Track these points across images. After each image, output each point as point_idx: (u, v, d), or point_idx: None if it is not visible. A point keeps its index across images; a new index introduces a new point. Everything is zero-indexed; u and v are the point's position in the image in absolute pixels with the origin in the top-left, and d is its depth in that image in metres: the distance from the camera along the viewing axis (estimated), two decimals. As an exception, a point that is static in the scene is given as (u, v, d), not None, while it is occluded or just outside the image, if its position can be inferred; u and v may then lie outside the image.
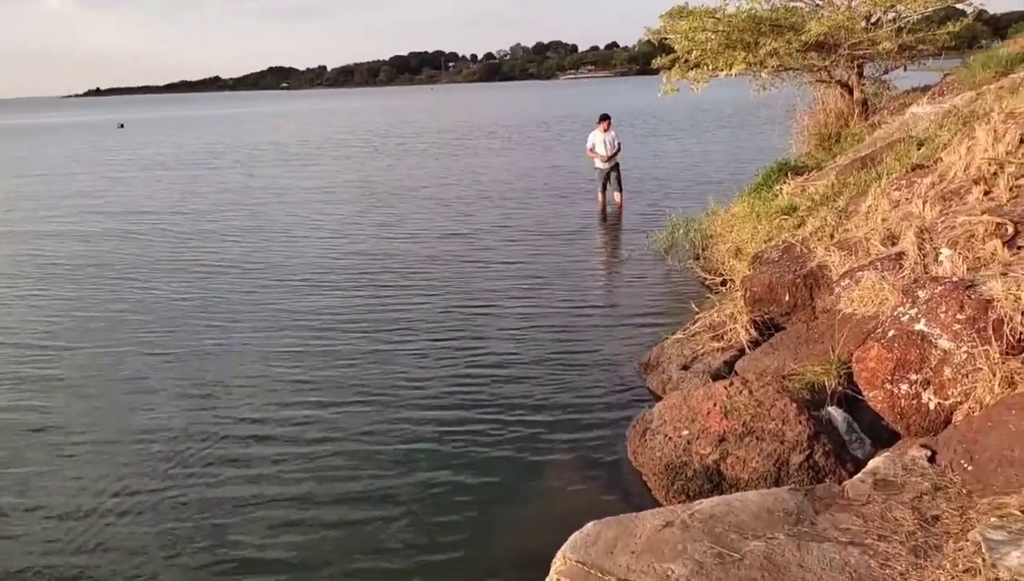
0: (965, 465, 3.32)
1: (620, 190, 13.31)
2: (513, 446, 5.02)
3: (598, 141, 13.01)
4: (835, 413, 4.35)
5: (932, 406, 3.94)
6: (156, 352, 7.08)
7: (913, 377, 4.02)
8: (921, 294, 4.28)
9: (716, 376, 5.33)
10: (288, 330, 7.50)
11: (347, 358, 6.67)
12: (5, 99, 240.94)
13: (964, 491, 3.15)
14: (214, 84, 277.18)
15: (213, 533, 4.19)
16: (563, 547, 2.99)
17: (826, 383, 4.54)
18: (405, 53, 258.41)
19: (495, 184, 17.05)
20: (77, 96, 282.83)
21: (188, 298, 8.88)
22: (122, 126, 53.20)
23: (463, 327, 7.39)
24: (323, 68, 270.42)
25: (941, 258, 4.91)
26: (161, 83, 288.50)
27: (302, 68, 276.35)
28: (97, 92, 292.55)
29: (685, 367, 5.70)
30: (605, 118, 13.09)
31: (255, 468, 4.87)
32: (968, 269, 4.59)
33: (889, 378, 4.08)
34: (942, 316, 4.04)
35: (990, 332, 3.83)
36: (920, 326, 4.10)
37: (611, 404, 5.61)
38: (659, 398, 5.34)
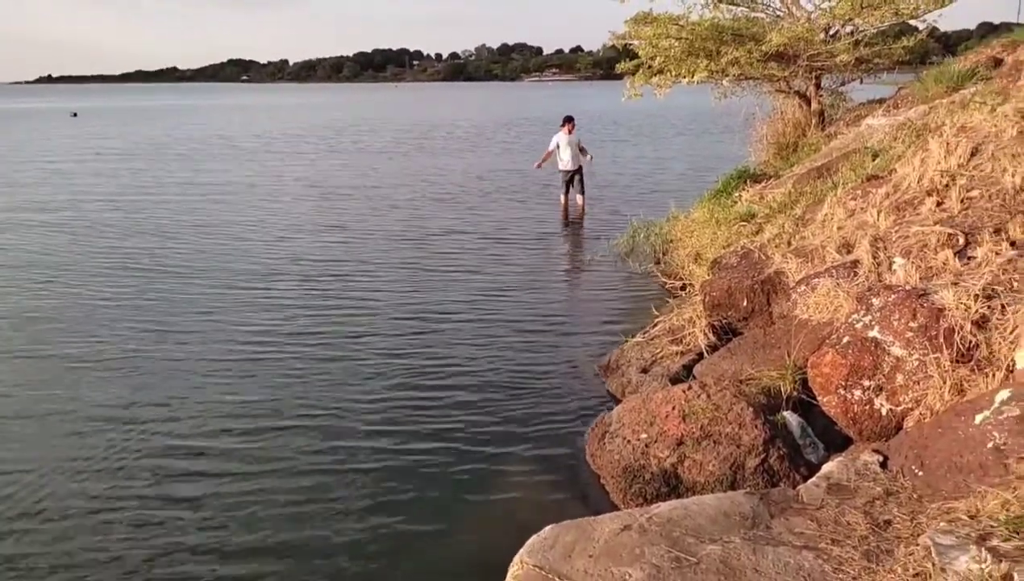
0: (916, 470, 3.38)
1: (583, 193, 13.37)
2: (470, 449, 4.97)
3: (562, 143, 13.06)
4: (790, 418, 4.41)
5: (884, 412, 4.01)
6: (80, 363, 6.53)
7: (866, 383, 4.09)
8: (875, 302, 4.36)
9: (675, 380, 5.37)
10: (231, 341, 7.00)
11: (296, 367, 6.37)
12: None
13: (915, 496, 3.21)
14: (172, 75, 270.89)
15: (148, 553, 3.97)
16: (520, 551, 2.96)
17: (782, 388, 4.60)
18: (369, 50, 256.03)
19: (453, 185, 16.89)
20: (27, 83, 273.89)
21: (118, 301, 8.35)
22: (75, 115, 51.72)
23: (418, 331, 7.28)
24: (285, 62, 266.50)
25: (895, 267, 5.01)
26: (116, 72, 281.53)
27: (263, 61, 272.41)
28: (48, 79, 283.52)
29: (644, 370, 5.72)
30: (568, 120, 13.15)
31: (198, 487, 4.54)
32: (921, 278, 4.70)
33: (843, 384, 4.15)
34: (895, 324, 4.12)
35: (941, 340, 3.92)
36: (874, 333, 4.17)
37: (570, 407, 5.61)
38: (618, 401, 5.35)
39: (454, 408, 5.58)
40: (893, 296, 4.28)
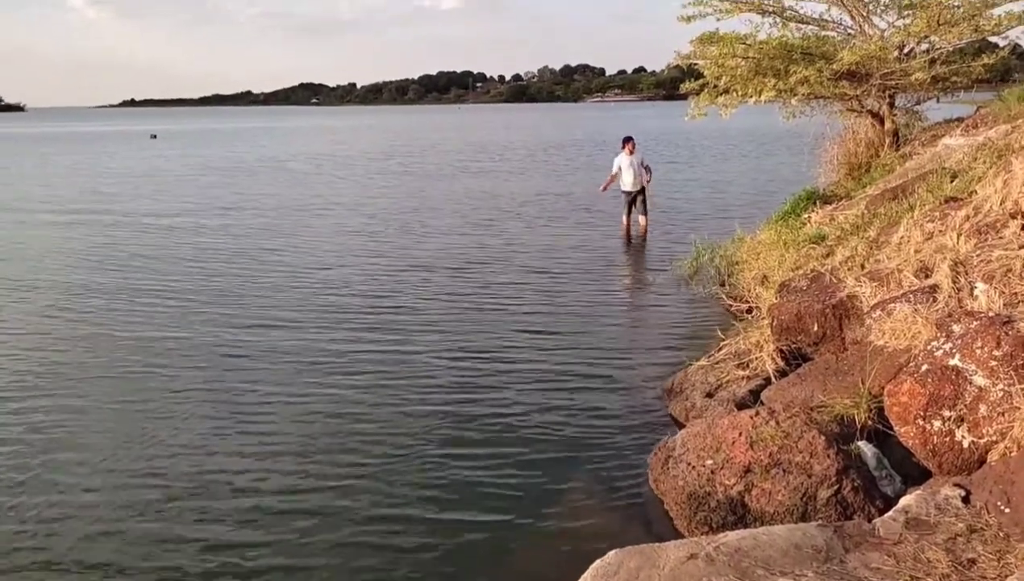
0: (1001, 507, 3.20)
1: (645, 214, 13.25)
2: (533, 470, 4.94)
3: (624, 164, 12.99)
4: (865, 448, 4.25)
5: (966, 444, 3.82)
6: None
7: (947, 414, 3.91)
8: (956, 328, 4.18)
9: (741, 405, 5.24)
10: (301, 368, 6.93)
11: (362, 381, 6.49)
12: (41, 108, 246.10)
13: (1001, 534, 3.04)
14: (246, 98, 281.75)
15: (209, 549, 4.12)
16: (584, 575, 2.92)
17: (856, 416, 4.44)
18: (434, 72, 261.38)
19: (519, 204, 17.06)
20: (111, 106, 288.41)
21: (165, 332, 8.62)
22: (154, 136, 54.17)
23: (484, 350, 7.30)
24: (353, 85, 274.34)
25: (976, 292, 4.80)
26: (195, 96, 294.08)
27: (332, 85, 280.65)
28: (131, 103, 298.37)
29: (709, 395, 5.61)
30: (628, 140, 13.10)
31: (259, 512, 4.54)
32: (1005, 304, 4.49)
33: (922, 414, 3.97)
34: (978, 352, 3.94)
35: (1029, 370, 3.72)
36: (955, 361, 3.99)
37: (633, 430, 5.53)
38: (682, 425, 5.25)
39: (515, 429, 5.57)
40: (975, 323, 4.09)
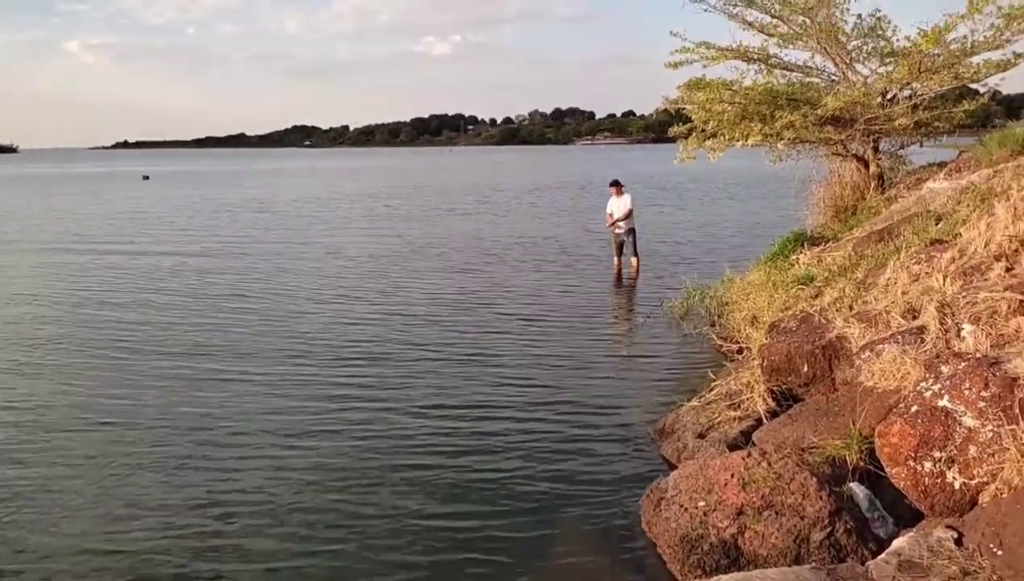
0: (994, 549, 3.20)
1: (636, 255, 13.38)
2: (524, 515, 4.89)
3: (614, 206, 13.20)
4: (857, 489, 4.24)
5: (957, 486, 3.83)
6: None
7: (937, 455, 3.92)
8: (944, 369, 4.21)
9: (733, 446, 5.23)
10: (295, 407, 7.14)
11: (341, 440, 6.19)
12: (35, 149, 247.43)
13: (994, 577, 3.03)
14: (240, 140, 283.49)
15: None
16: (576, 620, 2.88)
17: (847, 458, 4.44)
18: (426, 115, 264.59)
19: (508, 246, 17.08)
20: (105, 148, 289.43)
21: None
22: (147, 178, 54.37)
23: (472, 391, 7.28)
24: (345, 127, 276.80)
25: (963, 334, 4.85)
26: (189, 137, 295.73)
27: (325, 127, 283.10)
28: (125, 144, 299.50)
29: (701, 435, 5.60)
30: (615, 184, 13.35)
31: (269, 552, 4.57)
32: (991, 346, 4.53)
33: (912, 455, 3.98)
34: (966, 393, 3.97)
35: (1017, 411, 3.74)
36: (944, 402, 4.01)
37: (624, 471, 5.51)
38: (674, 466, 5.23)
39: (506, 471, 5.53)
40: (963, 364, 4.13)
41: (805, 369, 5.78)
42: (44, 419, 6.67)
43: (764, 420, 5.53)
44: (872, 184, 12.98)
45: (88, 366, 8.25)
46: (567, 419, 6.49)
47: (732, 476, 4.25)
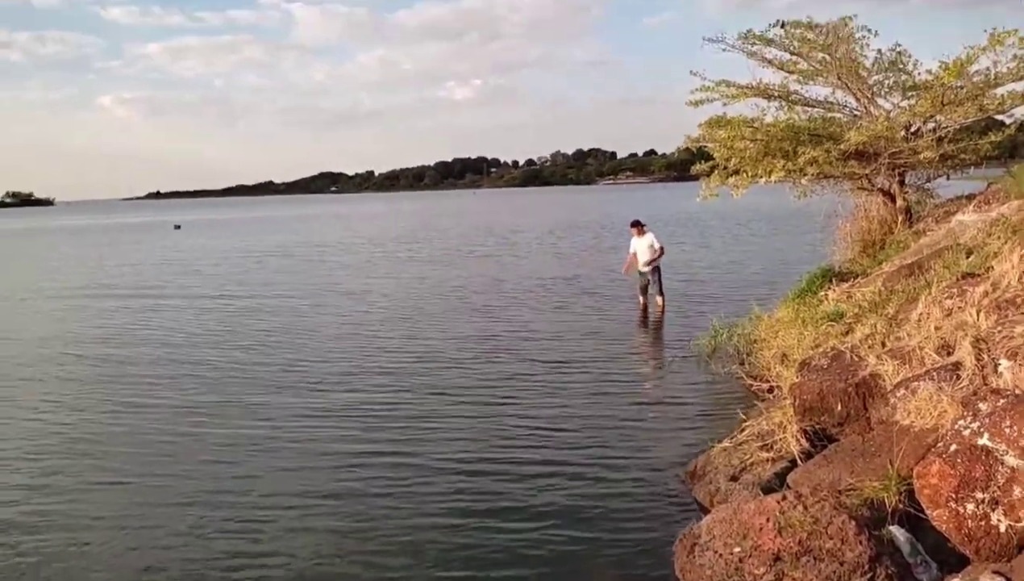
0: (1045, 595, 3.08)
1: (661, 294, 13.31)
2: (553, 560, 4.82)
3: (638, 247, 13.22)
4: (897, 533, 4.11)
5: (1003, 528, 3.70)
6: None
7: (979, 496, 3.80)
8: (982, 407, 4.11)
9: (767, 489, 5.12)
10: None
11: (370, 482, 6.24)
12: (70, 201, 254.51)
13: (1047, 625, 2.91)
14: (268, 188, 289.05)
15: None
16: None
17: (886, 499, 4.32)
18: (449, 159, 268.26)
19: (530, 287, 16.96)
20: (138, 198, 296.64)
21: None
22: (178, 227, 55.52)
23: (500, 433, 7.23)
24: (371, 173, 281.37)
25: (1001, 369, 4.73)
26: (219, 186, 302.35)
27: (351, 173, 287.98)
28: (157, 195, 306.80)
29: (734, 478, 5.49)
30: (636, 224, 13.36)
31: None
32: (1031, 381, 4.41)
33: (953, 496, 3.87)
34: (1007, 431, 3.86)
35: (1061, 449, 3.63)
36: (984, 441, 3.91)
37: (656, 515, 5.41)
38: (707, 510, 5.12)
39: (535, 516, 5.45)
40: (1002, 401, 4.03)
41: (839, 408, 5.67)
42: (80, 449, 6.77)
43: (798, 461, 5.41)
44: (899, 218, 12.85)
45: (111, 397, 8.47)
46: (596, 463, 6.41)
47: (767, 520, 4.15)
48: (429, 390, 8.82)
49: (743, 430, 6.24)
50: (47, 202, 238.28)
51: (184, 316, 14.78)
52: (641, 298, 13.39)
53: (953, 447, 4.01)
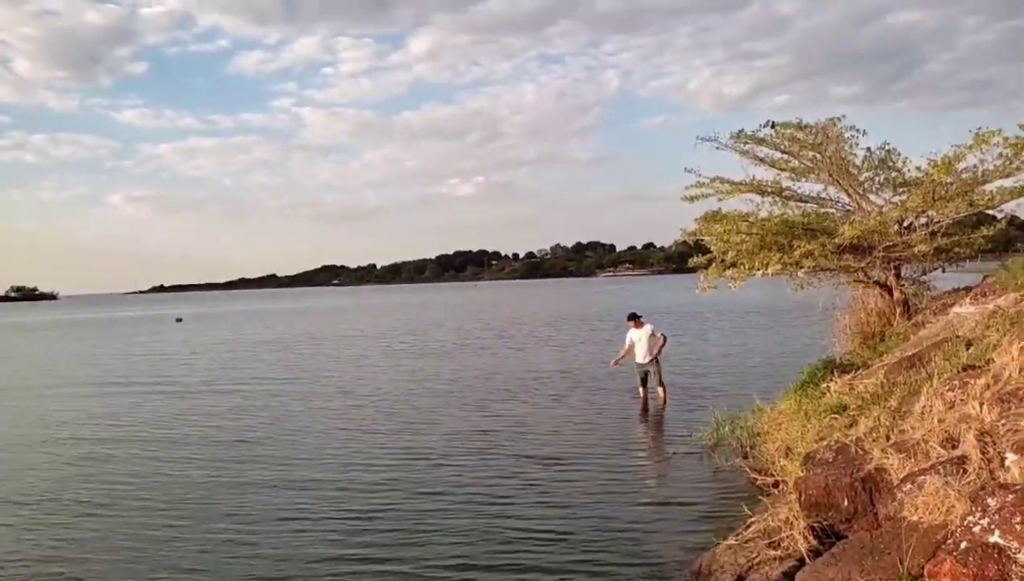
0: None
1: (662, 385, 13.22)
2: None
3: (635, 339, 13.23)
4: (912, 636, 3.95)
5: (1021, 631, 3.55)
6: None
7: (995, 596, 3.67)
8: (991, 502, 4.02)
9: (775, 589, 4.94)
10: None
11: (366, 573, 6.19)
12: (73, 295, 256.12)
13: None
14: (271, 281, 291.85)
15: None
16: None
17: (898, 600, 4.17)
18: (450, 252, 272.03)
19: (525, 382, 16.76)
20: (141, 292, 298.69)
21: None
22: (180, 320, 55.77)
23: (495, 536, 6.98)
24: (372, 266, 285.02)
25: (1008, 463, 4.65)
26: (222, 280, 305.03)
27: (353, 265, 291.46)
28: (161, 289, 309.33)
29: (740, 578, 5.31)
30: (633, 317, 13.43)
31: None
32: (1039, 475, 4.33)
33: (968, 597, 3.73)
34: (1017, 527, 3.76)
35: (1075, 547, 3.53)
36: (995, 538, 3.80)
37: (661, 619, 5.19)
38: (714, 613, 4.93)
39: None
40: (1011, 496, 3.94)
41: (845, 503, 5.54)
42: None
43: (807, 560, 5.24)
44: (897, 310, 12.92)
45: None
46: (597, 562, 6.21)
47: (776, 623, 3.99)
48: (419, 489, 8.50)
49: (748, 527, 6.07)
50: (51, 296, 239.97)
51: (171, 410, 14.67)
52: (641, 390, 13.28)
53: (964, 544, 3.90)
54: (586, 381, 16.26)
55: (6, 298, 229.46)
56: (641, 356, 13.15)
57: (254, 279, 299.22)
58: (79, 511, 8.26)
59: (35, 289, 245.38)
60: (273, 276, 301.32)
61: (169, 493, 8.80)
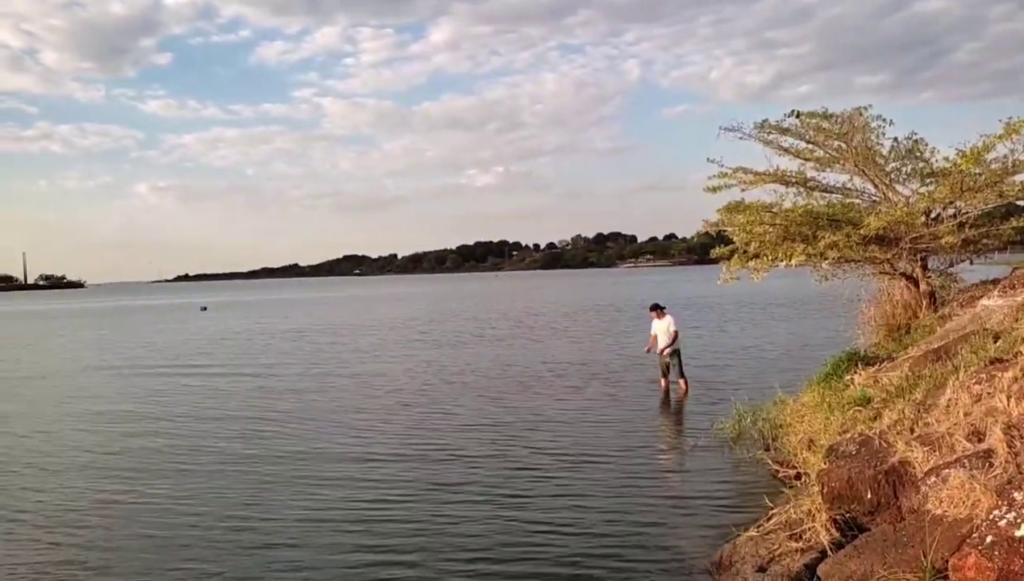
0: None
1: (683, 376, 13.22)
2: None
3: (658, 330, 13.25)
4: (935, 629, 3.93)
5: (1047, 626, 3.53)
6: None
7: (1021, 591, 3.64)
8: (1017, 496, 3.99)
9: (796, 581, 4.94)
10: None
11: (391, 546, 6.30)
12: (100, 283, 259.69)
13: None
14: (293, 270, 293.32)
15: None
16: None
17: (921, 593, 4.15)
18: (471, 242, 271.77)
19: (541, 373, 16.72)
20: (167, 281, 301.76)
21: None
22: (204, 309, 56.46)
23: (520, 520, 7.06)
24: (394, 256, 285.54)
25: (1035, 457, 4.60)
26: (245, 269, 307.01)
27: (374, 255, 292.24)
28: (186, 278, 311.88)
29: (762, 569, 5.31)
30: (655, 308, 13.46)
31: None
32: (1067, 470, 4.28)
33: (993, 590, 3.71)
34: (1045, 522, 3.73)
35: (1103, 542, 3.50)
36: (1021, 532, 3.78)
37: (681, 608, 5.21)
38: (734, 603, 4.94)
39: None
40: (1038, 490, 3.91)
41: (868, 496, 5.51)
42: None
43: (829, 552, 5.22)
44: (924, 302, 12.73)
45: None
46: (617, 551, 6.23)
47: (797, 614, 3.99)
48: (434, 485, 8.34)
49: (770, 518, 6.07)
50: (78, 284, 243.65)
51: (191, 399, 14.90)
52: (663, 381, 13.30)
53: (989, 539, 3.87)
54: (603, 373, 16.20)
55: (35, 286, 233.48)
56: (661, 347, 13.19)
57: (277, 269, 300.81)
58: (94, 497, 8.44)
59: (63, 277, 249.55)
60: (296, 265, 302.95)
61: (183, 484, 8.82)
